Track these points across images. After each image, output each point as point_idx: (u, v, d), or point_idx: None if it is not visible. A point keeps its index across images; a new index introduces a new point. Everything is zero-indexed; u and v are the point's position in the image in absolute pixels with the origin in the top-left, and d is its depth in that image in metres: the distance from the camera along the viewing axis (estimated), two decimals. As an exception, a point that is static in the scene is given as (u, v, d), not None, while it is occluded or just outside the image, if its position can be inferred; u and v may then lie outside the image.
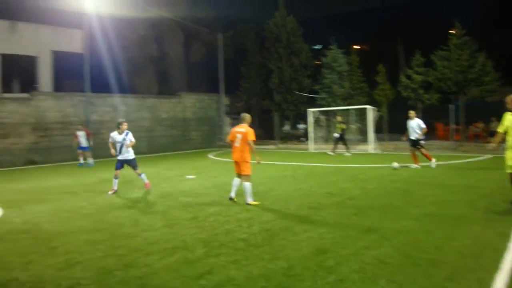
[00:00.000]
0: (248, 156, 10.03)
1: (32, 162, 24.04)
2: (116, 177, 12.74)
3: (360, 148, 25.99)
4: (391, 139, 27.10)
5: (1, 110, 23.88)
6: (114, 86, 30.54)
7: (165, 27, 36.51)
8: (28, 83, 28.95)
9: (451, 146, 24.00)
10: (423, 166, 16.12)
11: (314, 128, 28.21)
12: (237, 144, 10.11)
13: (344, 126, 23.91)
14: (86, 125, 23.01)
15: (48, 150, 24.92)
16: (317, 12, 45.51)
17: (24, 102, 24.98)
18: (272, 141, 32.56)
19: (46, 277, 5.73)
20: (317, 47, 41.37)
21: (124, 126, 12.89)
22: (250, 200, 10.01)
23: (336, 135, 23.72)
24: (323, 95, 31.23)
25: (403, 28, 37.14)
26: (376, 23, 40.31)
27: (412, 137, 16.33)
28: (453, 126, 24.96)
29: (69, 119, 26.04)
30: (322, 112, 28.22)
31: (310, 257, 6.08)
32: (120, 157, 12.82)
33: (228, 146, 33.02)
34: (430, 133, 26.73)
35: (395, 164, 16.06)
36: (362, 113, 26.58)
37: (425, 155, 16.36)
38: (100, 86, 28.82)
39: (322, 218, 8.40)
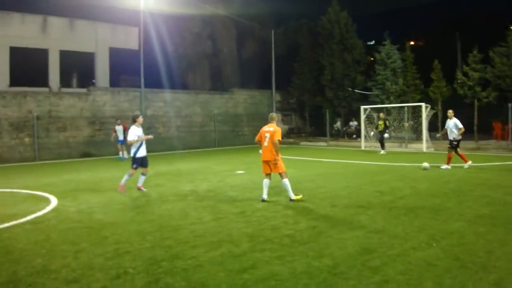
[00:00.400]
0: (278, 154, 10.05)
1: (88, 155, 24.92)
2: (144, 174, 12.27)
3: (414, 146, 25.43)
4: (446, 138, 26.33)
5: (60, 104, 24.91)
6: (168, 82, 31.22)
7: (219, 24, 36.90)
8: (86, 79, 30.06)
9: (508, 146, 23.09)
10: (453, 166, 15.63)
11: (366, 126, 27.80)
12: (266, 143, 10.18)
13: (387, 123, 23.55)
14: (123, 120, 23.59)
15: (103, 143, 25.73)
16: (371, 7, 44.82)
17: (81, 96, 25.96)
18: (323, 138, 32.33)
19: (95, 265, 5.94)
20: (371, 43, 40.73)
21: (141, 119, 12.21)
22: (293, 196, 10.07)
23: (386, 135, 23.44)
24: (376, 92, 30.78)
25: (460, 23, 36.02)
26: (431, 19, 39.30)
27: (450, 137, 15.92)
28: (511, 125, 24.00)
29: (125, 113, 26.79)
30: (374, 109, 27.75)
31: (356, 256, 6.01)
32: (140, 155, 11.90)
33: (279, 142, 33.36)
34: (487, 133, 25.93)
35: (425, 164, 15.64)
36: (416, 111, 25.98)
37: (448, 157, 15.84)
38: (154, 81, 29.54)
39: (370, 217, 8.28)
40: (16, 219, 8.87)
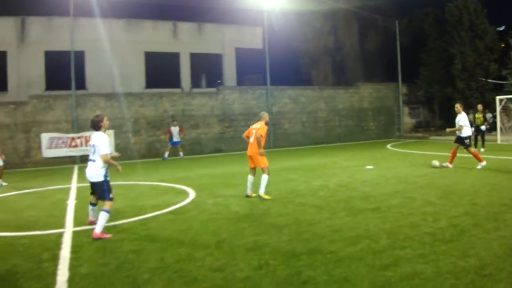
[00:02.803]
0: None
1: (219, 150, 26.15)
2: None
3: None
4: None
5: (192, 103, 26.40)
6: (292, 79, 31.63)
7: (340, 18, 36.61)
8: (214, 79, 31.50)
9: None
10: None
11: (502, 118, 25.95)
12: (251, 139, 10.76)
13: (486, 116, 21.61)
14: (178, 121, 24.27)
15: (233, 139, 26.83)
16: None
17: (212, 96, 27.30)
18: (455, 131, 30.71)
19: (237, 255, 6.24)
20: (501, 28, 37.82)
21: (107, 122, 7.99)
22: (262, 193, 10.47)
23: (483, 127, 21.34)
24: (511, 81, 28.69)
25: None
26: None
27: (463, 135, 14.44)
28: None
29: (252, 110, 27.67)
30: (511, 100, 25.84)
31: (504, 257, 5.69)
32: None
33: (407, 137, 32.33)
34: None
35: (435, 162, 14.66)
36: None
37: (475, 155, 14.25)
38: (278, 78, 30.07)
39: (516, 216, 7.78)
40: (159, 209, 9.64)
